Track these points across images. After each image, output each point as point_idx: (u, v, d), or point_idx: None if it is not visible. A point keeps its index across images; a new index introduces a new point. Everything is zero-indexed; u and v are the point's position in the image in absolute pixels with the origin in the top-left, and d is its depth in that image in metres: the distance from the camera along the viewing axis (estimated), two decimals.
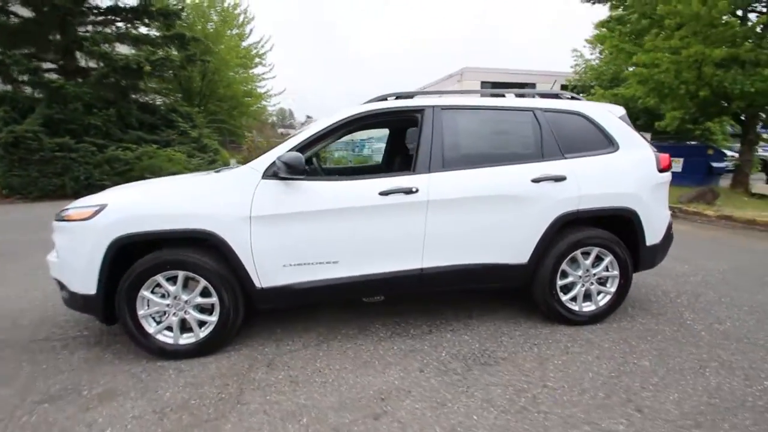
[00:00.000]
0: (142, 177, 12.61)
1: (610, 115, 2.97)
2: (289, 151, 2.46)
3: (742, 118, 11.09)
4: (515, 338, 2.72)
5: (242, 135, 21.79)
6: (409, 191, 2.49)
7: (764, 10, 10.44)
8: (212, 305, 2.47)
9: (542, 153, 2.76)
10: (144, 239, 2.31)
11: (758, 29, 9.64)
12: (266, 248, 2.39)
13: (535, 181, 2.66)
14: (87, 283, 2.33)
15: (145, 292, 2.38)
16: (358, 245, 2.51)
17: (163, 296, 2.44)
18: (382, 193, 2.47)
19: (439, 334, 2.78)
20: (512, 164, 2.70)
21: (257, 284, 2.45)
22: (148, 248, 2.39)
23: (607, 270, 2.90)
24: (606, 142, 2.89)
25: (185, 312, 2.45)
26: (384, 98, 2.76)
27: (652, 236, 2.93)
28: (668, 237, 3.07)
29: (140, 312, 2.40)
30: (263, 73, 22.80)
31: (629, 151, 2.89)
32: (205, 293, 2.44)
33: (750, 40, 9.70)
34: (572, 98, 3.03)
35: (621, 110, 3.04)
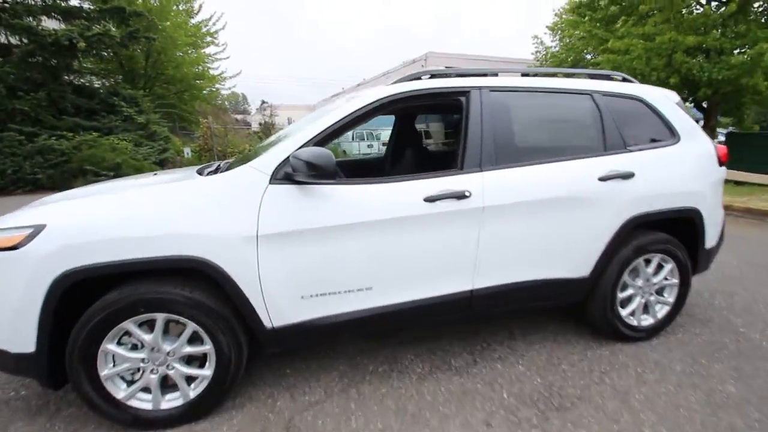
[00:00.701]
0: (81, 169, 11.13)
1: (668, 101, 2.57)
2: (305, 144, 1.84)
3: (704, 105, 11.48)
4: (576, 365, 2.30)
5: (195, 121, 20.07)
6: (460, 196, 1.96)
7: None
8: (205, 355, 1.83)
9: (605, 145, 2.31)
10: (105, 273, 1.62)
11: (719, 18, 9.86)
12: (279, 276, 1.78)
13: (603, 179, 2.21)
14: (20, 339, 1.62)
15: (109, 345, 1.70)
16: (398, 266, 1.95)
17: (135, 348, 1.77)
18: (428, 200, 1.92)
19: (488, 365, 2.30)
20: (574, 159, 2.23)
21: (267, 323, 1.83)
22: (111, 283, 1.71)
23: (667, 279, 2.54)
24: (667, 133, 2.50)
25: (168, 366, 1.79)
26: (418, 77, 2.18)
27: (712, 238, 2.61)
28: (722, 238, 2.77)
29: (103, 372, 1.72)
30: (215, 53, 21.07)
31: (691, 142, 2.52)
32: (194, 339, 1.80)
33: (716, 29, 9.94)
34: (624, 80, 2.60)
35: (676, 96, 2.66)
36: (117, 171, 11.21)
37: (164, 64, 19.11)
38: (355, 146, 16.38)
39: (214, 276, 1.70)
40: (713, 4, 10.71)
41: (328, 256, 1.83)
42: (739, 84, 9.49)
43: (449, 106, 2.21)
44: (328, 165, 1.69)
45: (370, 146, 16.54)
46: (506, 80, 2.22)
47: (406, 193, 1.92)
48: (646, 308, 2.56)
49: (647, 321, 2.55)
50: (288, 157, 1.79)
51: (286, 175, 1.78)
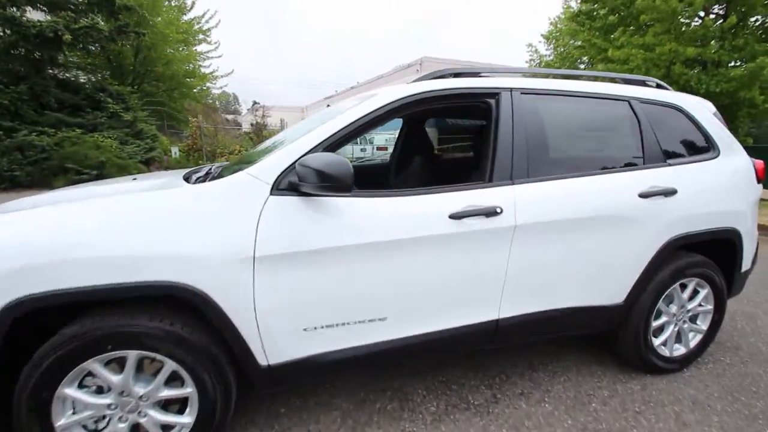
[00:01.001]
0: (62, 167, 10.63)
1: (706, 111, 2.36)
2: (313, 150, 1.56)
3: None
4: (608, 403, 2.05)
5: (184, 120, 19.57)
6: (491, 212, 1.70)
7: (721, 12, 10.78)
8: (186, 398, 1.53)
9: (644, 157, 2.08)
10: (62, 303, 1.31)
11: (719, 30, 9.86)
12: (279, 305, 1.50)
13: (644, 195, 1.97)
14: None
15: (68, 390, 1.39)
16: (417, 293, 1.68)
17: (100, 391, 1.46)
18: (454, 217, 1.65)
19: (510, 404, 2.03)
20: (612, 172, 2.00)
21: (262, 361, 1.54)
22: (72, 314, 1.41)
23: (701, 305, 2.32)
24: (706, 146, 2.28)
25: (140, 413, 1.49)
26: (442, 75, 1.92)
27: (748, 260, 2.40)
28: (755, 260, 2.56)
29: (60, 422, 1.41)
30: (207, 52, 20.61)
31: (730, 157, 2.30)
32: (173, 379, 1.50)
33: (714, 41, 9.93)
34: (658, 86, 2.38)
35: (712, 106, 2.45)
36: (101, 170, 10.74)
37: (154, 61, 18.58)
38: (348, 150, 16.04)
39: (198, 305, 1.41)
40: (711, 16, 10.76)
41: (339, 282, 1.55)
42: (736, 97, 9.47)
43: (475, 110, 1.95)
44: (344, 175, 1.41)
45: (363, 150, 16.22)
46: (538, 82, 1.97)
47: (430, 209, 1.65)
48: (678, 337, 2.33)
49: (679, 351, 2.32)
50: (293, 164, 1.51)
51: (290, 185, 1.50)
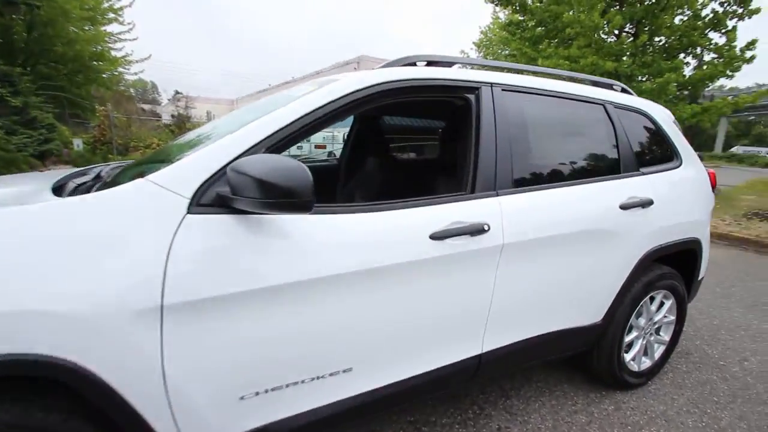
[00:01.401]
0: None
1: (669, 119, 2.32)
2: (252, 150, 1.14)
3: None
4: (586, 430, 1.90)
5: (91, 108, 17.23)
6: (478, 230, 1.41)
7: (632, 31, 11.88)
8: None
9: (620, 165, 1.95)
10: None
11: (632, 47, 10.85)
12: (201, 370, 1.07)
13: (624, 207, 1.83)
14: None
15: None
16: (389, 334, 1.35)
17: None
18: (435, 237, 1.34)
19: None
20: (593, 181, 1.83)
21: None
22: None
23: (666, 316, 2.28)
24: (670, 154, 2.23)
25: None
26: (412, 63, 1.59)
27: (703, 268, 2.41)
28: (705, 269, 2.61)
29: None
30: (120, 33, 18.32)
31: (691, 166, 2.28)
32: None
33: (626, 56, 10.89)
34: (623, 91, 2.29)
35: (671, 114, 2.43)
36: None
37: (52, 39, 16.09)
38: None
39: (73, 385, 0.93)
40: (624, 34, 11.82)
41: (289, 329, 1.16)
42: None
43: (448, 106, 1.66)
44: (300, 188, 0.99)
45: (299, 147, 15.43)
46: (519, 78, 1.74)
47: (408, 227, 1.32)
48: (645, 350, 2.26)
49: (646, 364, 2.26)
50: (223, 169, 1.09)
51: (219, 199, 1.07)
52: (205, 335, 1.04)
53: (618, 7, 11.03)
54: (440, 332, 1.45)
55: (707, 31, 11.40)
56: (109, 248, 0.95)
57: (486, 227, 1.42)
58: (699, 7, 11.01)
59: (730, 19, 11.22)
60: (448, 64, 1.63)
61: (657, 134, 2.20)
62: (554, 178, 1.73)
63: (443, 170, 1.80)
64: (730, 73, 11.13)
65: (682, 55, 11.86)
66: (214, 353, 1.06)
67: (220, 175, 1.08)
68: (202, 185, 1.06)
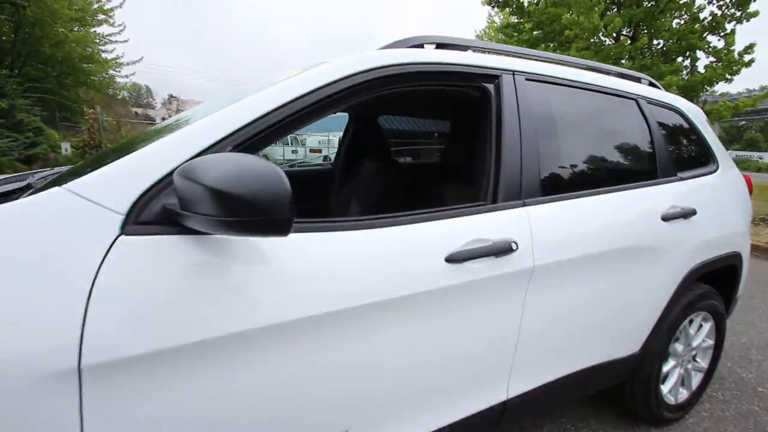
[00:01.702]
0: None
1: (702, 117, 2.06)
2: (213, 148, 0.86)
3: None
4: None
5: (80, 111, 16.84)
6: (503, 250, 1.14)
7: (630, 34, 11.79)
8: None
9: (657, 170, 1.68)
10: None
11: (632, 50, 10.71)
12: None
13: (666, 218, 1.57)
14: None
15: None
16: (395, 384, 1.06)
17: None
18: (452, 260, 1.06)
19: None
20: (629, 188, 1.56)
21: None
22: None
23: (704, 340, 2.01)
24: (707, 156, 1.98)
25: None
26: (419, 45, 1.32)
27: (741, 284, 2.15)
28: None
29: None
30: (110, 35, 17.96)
31: (728, 171, 2.03)
32: None
33: (625, 59, 10.74)
34: (651, 84, 2.03)
35: (701, 111, 2.17)
36: None
37: (40, 40, 15.73)
38: (278, 151, 14.75)
39: None
40: (621, 37, 11.70)
41: (262, 388, 0.87)
42: None
43: (462, 98, 1.39)
44: (274, 201, 0.70)
45: (294, 152, 15.15)
46: (545, 67, 1.46)
47: (417, 248, 1.04)
48: (682, 380, 1.99)
49: (683, 396, 1.99)
50: (169, 176, 0.81)
51: (165, 213, 0.79)
52: (141, 403, 0.75)
53: (616, 9, 10.93)
54: (456, 379, 1.17)
55: (705, 34, 11.31)
56: (11, 278, 0.67)
57: (513, 245, 1.15)
58: (696, 10, 10.92)
59: (729, 23, 11.14)
60: (462, 47, 1.36)
61: (692, 134, 1.95)
62: (587, 184, 1.46)
63: (456, 176, 1.52)
64: (729, 77, 11.04)
65: (680, 59, 11.78)
66: (156, 426, 0.77)
67: (168, 181, 0.80)
68: (142, 196, 0.78)
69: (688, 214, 1.64)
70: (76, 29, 16.78)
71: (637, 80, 1.97)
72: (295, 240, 0.89)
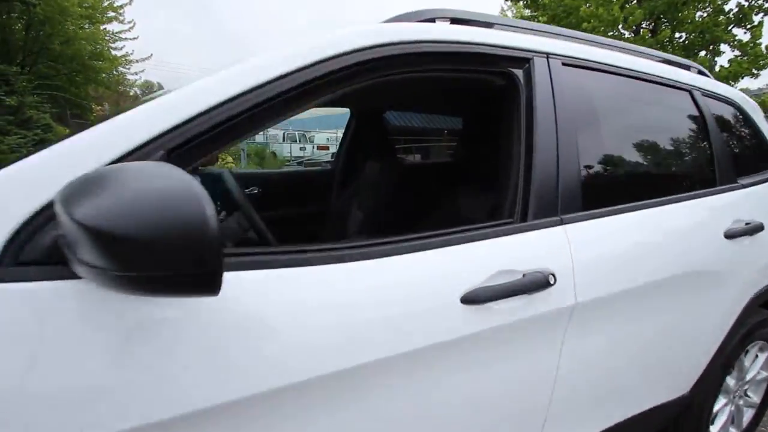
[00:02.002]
0: None
1: (761, 114, 1.77)
2: (139, 150, 0.62)
3: None
4: None
5: (89, 108, 16.89)
6: (538, 285, 0.88)
7: (650, 27, 11.37)
8: None
9: (716, 175, 1.41)
10: None
11: (653, 43, 10.30)
12: None
13: (729, 236, 1.29)
14: None
15: None
16: None
17: None
18: (469, 300, 0.81)
19: None
20: (685, 198, 1.29)
21: None
22: None
23: (760, 372, 1.73)
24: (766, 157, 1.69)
25: None
26: (431, 20, 1.06)
27: None
28: None
29: None
30: (120, 32, 17.97)
31: None
32: None
33: None
34: (700, 73, 1.73)
35: (758, 106, 1.88)
36: None
37: (50, 38, 15.81)
38: (286, 148, 14.51)
39: None
40: (641, 31, 11.29)
41: None
42: None
43: (483, 86, 1.14)
44: (188, 244, 0.46)
45: (302, 149, 14.94)
46: (585, 50, 1.19)
47: (422, 286, 0.79)
48: (732, 418, 1.72)
49: None
50: (57, 209, 0.52)
51: (60, 251, 0.55)
52: None
53: (636, 1, 10.51)
54: None
55: (731, 26, 10.83)
56: None
57: (551, 279, 0.89)
58: (721, 1, 10.45)
59: (756, 14, 10.64)
60: (485, 23, 1.10)
61: (751, 132, 1.67)
62: (637, 194, 1.19)
63: (475, 186, 1.26)
64: (756, 72, 10.57)
65: (703, 53, 11.32)
66: None
67: (46, 214, 0.57)
68: (23, 227, 0.54)
69: (755, 230, 1.37)
70: (85, 26, 16.84)
71: (687, 68, 1.68)
72: (261, 281, 0.65)
